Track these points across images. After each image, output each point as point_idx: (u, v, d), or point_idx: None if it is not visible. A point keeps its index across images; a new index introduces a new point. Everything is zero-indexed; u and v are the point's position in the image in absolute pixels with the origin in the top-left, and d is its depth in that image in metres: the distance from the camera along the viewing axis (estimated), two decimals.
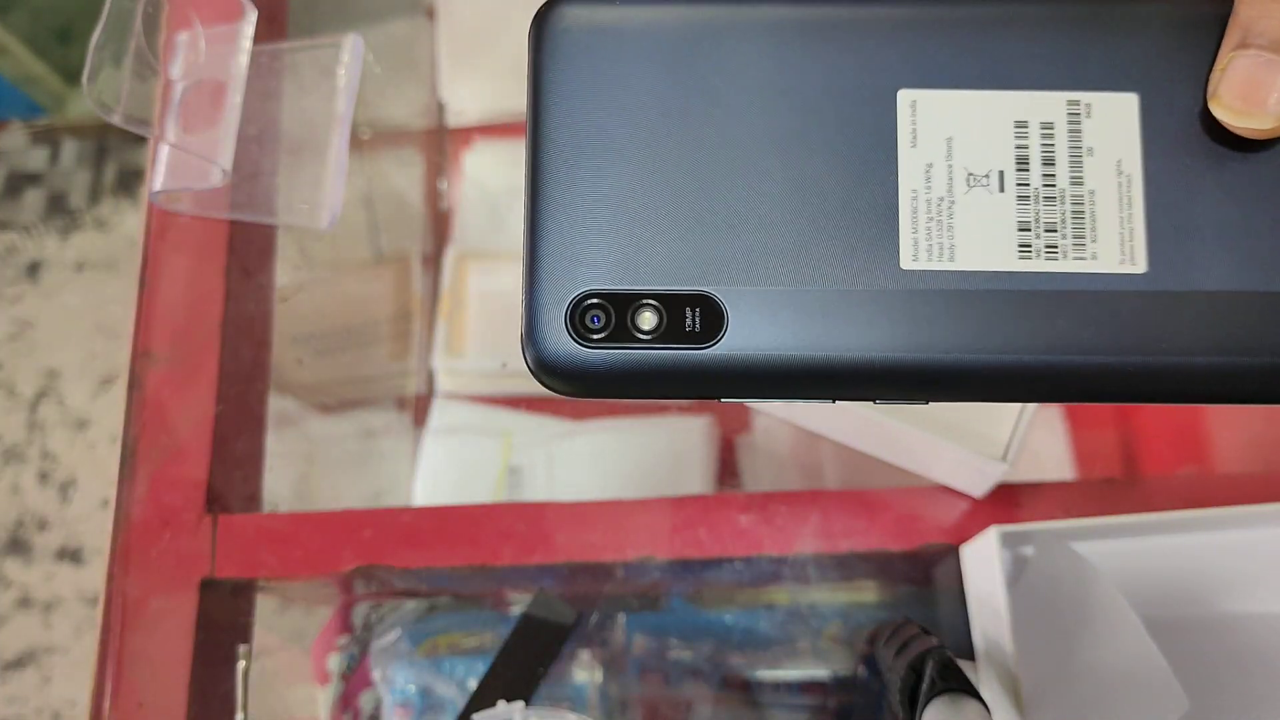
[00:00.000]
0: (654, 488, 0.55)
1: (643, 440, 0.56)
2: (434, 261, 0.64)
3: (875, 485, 0.44)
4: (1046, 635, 0.39)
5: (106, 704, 0.41)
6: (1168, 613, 0.41)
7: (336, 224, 0.44)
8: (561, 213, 0.19)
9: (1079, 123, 0.19)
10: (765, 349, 0.19)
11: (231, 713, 0.42)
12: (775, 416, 0.45)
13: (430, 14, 0.67)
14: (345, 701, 0.46)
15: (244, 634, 0.44)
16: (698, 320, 0.19)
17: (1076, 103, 0.19)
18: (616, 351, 0.19)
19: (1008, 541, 0.39)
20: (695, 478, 0.55)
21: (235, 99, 0.43)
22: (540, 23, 0.20)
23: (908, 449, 0.41)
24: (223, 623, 0.43)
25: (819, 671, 0.44)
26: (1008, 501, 0.42)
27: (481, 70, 0.65)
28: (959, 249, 0.19)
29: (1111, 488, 0.43)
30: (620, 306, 0.19)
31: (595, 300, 0.19)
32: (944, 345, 0.19)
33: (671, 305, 0.19)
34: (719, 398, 0.19)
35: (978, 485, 0.41)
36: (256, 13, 0.44)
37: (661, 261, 0.19)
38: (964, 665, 0.35)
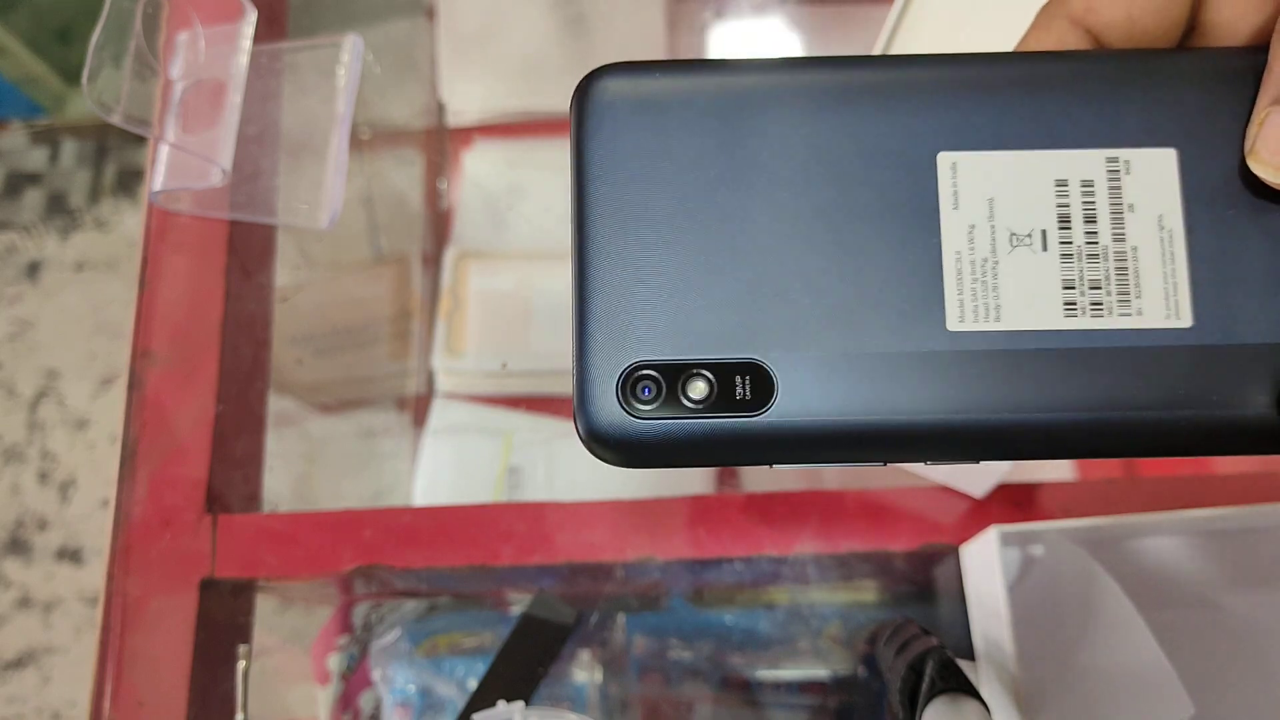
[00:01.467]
0: (654, 488, 0.55)
1: None
2: (434, 261, 0.64)
3: (875, 485, 0.44)
4: (1049, 635, 0.39)
5: (106, 704, 0.41)
6: (1167, 613, 0.41)
7: (336, 224, 0.44)
8: (609, 284, 0.19)
9: (1119, 179, 0.19)
10: (816, 415, 0.19)
11: (231, 713, 0.42)
12: None
13: (430, 14, 0.67)
14: (345, 701, 0.46)
15: (244, 634, 0.44)
16: (748, 388, 0.19)
17: (1115, 160, 0.19)
18: (668, 422, 0.19)
19: (1009, 541, 0.39)
20: (695, 478, 0.55)
21: (235, 99, 0.43)
22: (582, 95, 0.20)
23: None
24: (223, 622, 0.43)
25: (819, 671, 0.44)
26: (1008, 501, 0.42)
27: (481, 70, 0.65)
28: (1004, 309, 0.19)
29: (1111, 488, 0.43)
30: (671, 377, 0.19)
31: (646, 371, 0.19)
32: (993, 406, 0.19)
33: (722, 374, 0.19)
34: (770, 464, 0.20)
35: (978, 485, 0.41)
36: (256, 13, 0.44)
37: (710, 330, 0.19)
38: (964, 665, 0.35)
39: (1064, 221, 0.19)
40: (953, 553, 0.42)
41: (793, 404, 0.19)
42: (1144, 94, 0.19)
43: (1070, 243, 0.19)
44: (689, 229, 0.19)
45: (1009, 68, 0.20)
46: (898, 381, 0.19)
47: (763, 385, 0.19)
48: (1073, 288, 0.19)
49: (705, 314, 0.19)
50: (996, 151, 0.19)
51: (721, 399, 0.19)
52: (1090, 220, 0.19)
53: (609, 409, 0.19)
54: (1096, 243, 0.19)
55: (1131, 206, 0.19)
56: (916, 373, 0.19)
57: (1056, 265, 0.19)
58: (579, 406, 0.19)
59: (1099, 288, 0.19)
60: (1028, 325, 0.19)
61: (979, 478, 0.40)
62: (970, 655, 0.40)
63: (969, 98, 0.20)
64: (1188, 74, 0.19)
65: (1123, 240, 0.19)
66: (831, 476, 0.52)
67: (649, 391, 0.19)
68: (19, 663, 1.07)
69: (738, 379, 0.19)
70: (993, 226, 0.19)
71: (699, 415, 0.19)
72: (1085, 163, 0.19)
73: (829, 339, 0.19)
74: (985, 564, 0.38)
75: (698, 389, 0.19)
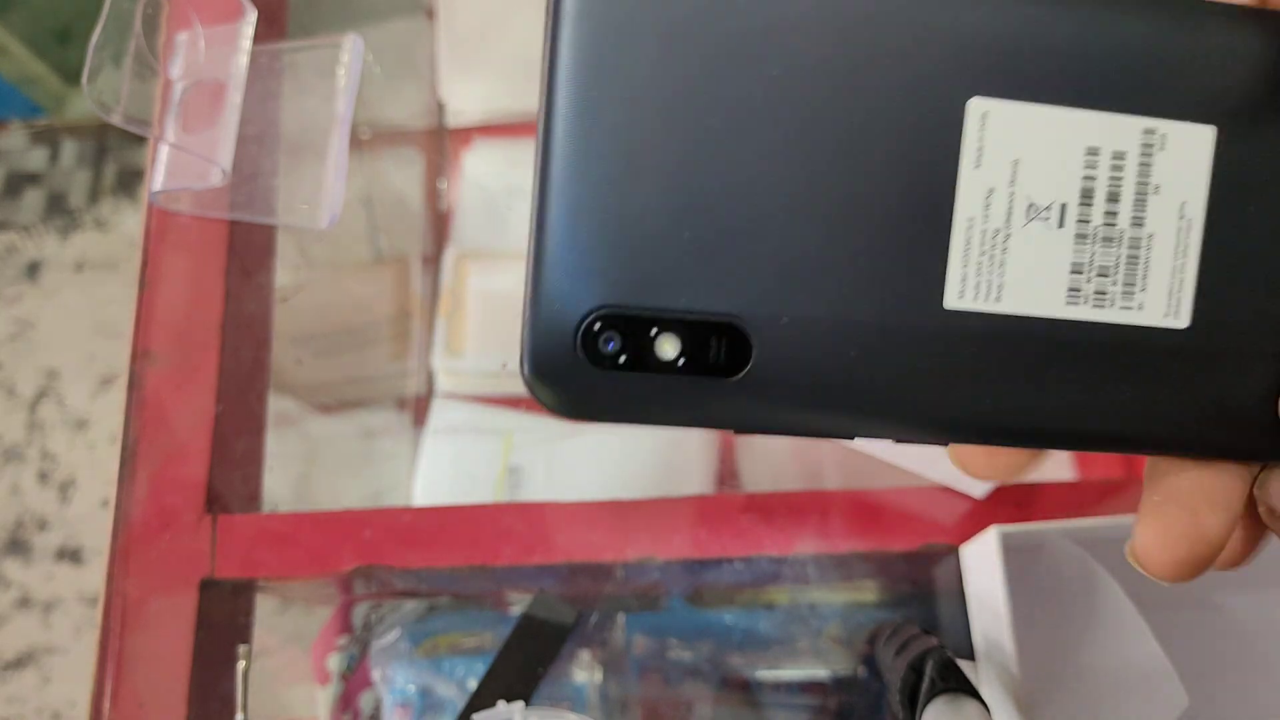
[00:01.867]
0: (654, 488, 0.55)
1: (643, 440, 0.56)
2: (434, 261, 0.64)
3: (875, 485, 0.44)
4: (1049, 635, 0.39)
5: (106, 704, 0.41)
6: (1167, 613, 0.41)
7: (336, 224, 0.44)
8: (575, 214, 0.17)
9: (1151, 155, 0.17)
10: (791, 385, 0.17)
11: (231, 713, 0.42)
12: None
13: (430, 14, 0.67)
14: (345, 702, 0.46)
15: (244, 634, 0.44)
16: (723, 351, 0.17)
17: (1152, 132, 0.17)
18: (630, 379, 0.17)
19: (1009, 541, 0.39)
20: (695, 478, 0.55)
21: (235, 99, 0.43)
22: None
23: (908, 449, 0.41)
24: (222, 623, 0.43)
25: (819, 672, 0.44)
26: (1008, 501, 0.42)
27: (481, 70, 0.65)
28: (1007, 289, 0.17)
29: (1112, 487, 0.43)
30: (638, 330, 0.17)
31: (611, 321, 0.17)
32: (975, 392, 0.18)
33: (695, 332, 0.17)
34: (737, 431, 0.18)
35: (977, 485, 0.41)
36: (256, 13, 0.44)
37: (687, 280, 0.17)
38: (964, 665, 0.35)
39: (1086, 196, 0.17)
40: (953, 553, 0.42)
41: (768, 371, 0.17)
42: (1194, 61, 0.17)
43: (1088, 221, 0.17)
44: (673, 157, 0.17)
45: (1059, 13, 0.17)
46: (882, 360, 0.17)
47: (738, 348, 0.17)
48: (1080, 273, 0.18)
49: (683, 260, 0.17)
50: (1033, 105, 0.17)
51: (693, 360, 0.17)
52: (1113, 199, 0.17)
53: (564, 356, 0.17)
54: (1114, 225, 0.17)
55: (1157, 188, 0.17)
56: (903, 352, 0.17)
57: (1069, 246, 0.17)
58: (528, 355, 0.17)
59: (1106, 276, 0.18)
60: (1027, 310, 0.17)
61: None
62: (970, 655, 0.40)
63: (1013, 38, 0.17)
64: (1246, 48, 0.17)
65: (1141, 225, 0.18)
66: (831, 476, 0.52)
67: (612, 344, 0.17)
68: (19, 663, 1.07)
69: (713, 339, 0.17)
70: (1012, 194, 0.17)
71: (665, 375, 0.17)
72: (1121, 131, 0.17)
73: (816, 303, 0.17)
74: (985, 564, 0.38)
75: (668, 347, 0.17)
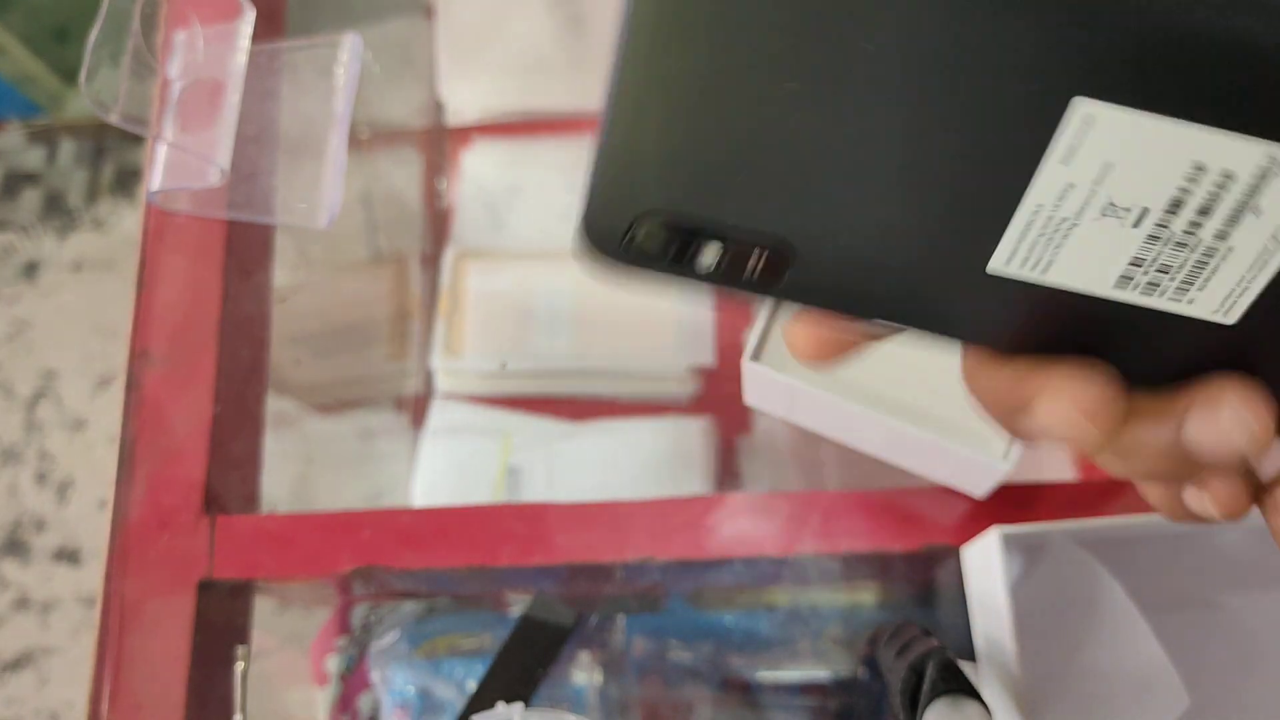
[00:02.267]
0: (654, 488, 0.55)
1: (643, 441, 0.56)
2: (432, 261, 0.64)
3: (876, 486, 0.44)
4: (1050, 636, 0.39)
5: (104, 705, 0.41)
6: (1168, 612, 0.41)
7: (335, 224, 0.44)
8: (644, 110, 0.17)
9: (1266, 181, 0.16)
10: (820, 300, 0.18)
11: (229, 714, 0.42)
12: (776, 417, 0.45)
13: (429, 13, 0.66)
14: (344, 703, 0.46)
15: (242, 635, 0.44)
16: (759, 268, 0.18)
17: (1277, 160, 0.16)
18: (668, 274, 0.18)
19: (1010, 542, 0.39)
20: (695, 478, 0.55)
21: (233, 98, 0.43)
22: None
23: (908, 449, 0.41)
24: (221, 624, 0.43)
25: (819, 673, 0.44)
26: (1009, 502, 0.42)
27: (480, 69, 0.65)
28: (1055, 266, 0.17)
29: (1113, 488, 0.43)
30: (683, 235, 0.18)
31: (658, 221, 0.17)
32: (1006, 329, 0.18)
33: (737, 247, 0.18)
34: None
35: (979, 485, 0.41)
36: (254, 12, 0.44)
37: (740, 197, 0.17)
38: (965, 666, 0.34)
39: (1174, 206, 0.16)
40: (954, 553, 0.42)
41: (798, 291, 0.18)
42: None
43: (1167, 227, 0.17)
44: (755, 74, 0.16)
45: (1199, 21, 0.15)
46: (908, 293, 0.18)
47: (773, 268, 0.18)
48: (1139, 265, 0.17)
49: (743, 176, 0.17)
50: (1145, 113, 0.16)
51: (729, 272, 0.18)
52: (1204, 212, 0.16)
53: (611, 245, 0.18)
54: (1194, 234, 0.17)
55: (1258, 210, 0.16)
56: (932, 292, 0.18)
57: (1138, 244, 0.17)
58: (582, 231, 0.18)
59: (1165, 273, 0.17)
60: (1071, 285, 0.17)
61: (980, 478, 0.40)
62: (971, 657, 0.39)
63: (1138, 43, 0.15)
64: None
65: (1224, 239, 0.17)
66: (831, 476, 0.52)
67: (657, 244, 0.18)
68: (17, 664, 1.06)
69: (751, 259, 0.18)
70: (1093, 192, 0.16)
71: (702, 278, 0.18)
72: (1241, 153, 0.16)
73: (859, 240, 0.17)
74: (987, 565, 0.38)
75: (708, 256, 0.18)
